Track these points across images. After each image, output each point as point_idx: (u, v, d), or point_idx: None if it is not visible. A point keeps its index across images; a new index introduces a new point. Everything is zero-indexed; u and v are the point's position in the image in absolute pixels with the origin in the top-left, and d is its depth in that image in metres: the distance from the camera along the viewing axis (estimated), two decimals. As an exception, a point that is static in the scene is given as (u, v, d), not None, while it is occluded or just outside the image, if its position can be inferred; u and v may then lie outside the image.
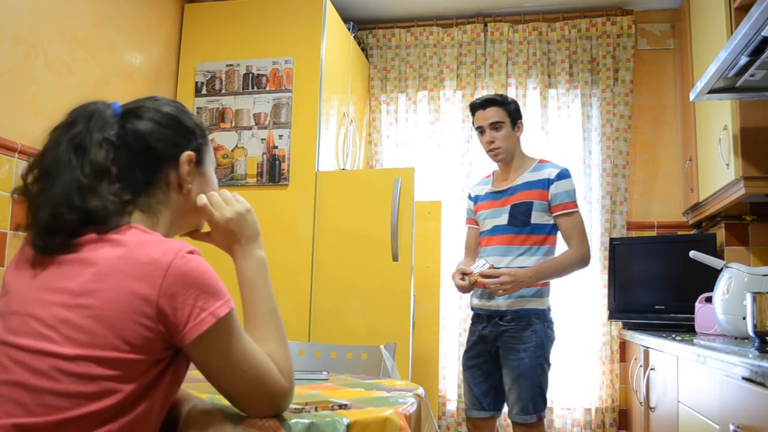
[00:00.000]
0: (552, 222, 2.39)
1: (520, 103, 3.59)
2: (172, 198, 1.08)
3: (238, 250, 1.10)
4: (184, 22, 3.26)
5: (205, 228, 1.16)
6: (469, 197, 2.66)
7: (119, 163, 1.01)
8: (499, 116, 2.44)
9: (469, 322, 3.41)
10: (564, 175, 2.40)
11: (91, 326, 0.88)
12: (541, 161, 2.49)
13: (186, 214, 1.11)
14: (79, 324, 0.88)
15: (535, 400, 2.28)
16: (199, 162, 1.11)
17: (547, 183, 2.39)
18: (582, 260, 2.37)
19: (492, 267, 2.36)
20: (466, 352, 2.51)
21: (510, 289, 2.28)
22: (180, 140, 1.08)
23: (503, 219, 2.43)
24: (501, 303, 2.37)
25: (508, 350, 2.34)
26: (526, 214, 2.38)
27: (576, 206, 2.39)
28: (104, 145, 1.00)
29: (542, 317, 2.36)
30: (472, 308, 2.52)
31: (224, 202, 1.11)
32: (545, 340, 2.34)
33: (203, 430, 0.99)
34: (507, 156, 2.47)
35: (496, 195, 2.50)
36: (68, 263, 0.93)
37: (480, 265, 2.37)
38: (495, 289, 2.29)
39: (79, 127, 1.00)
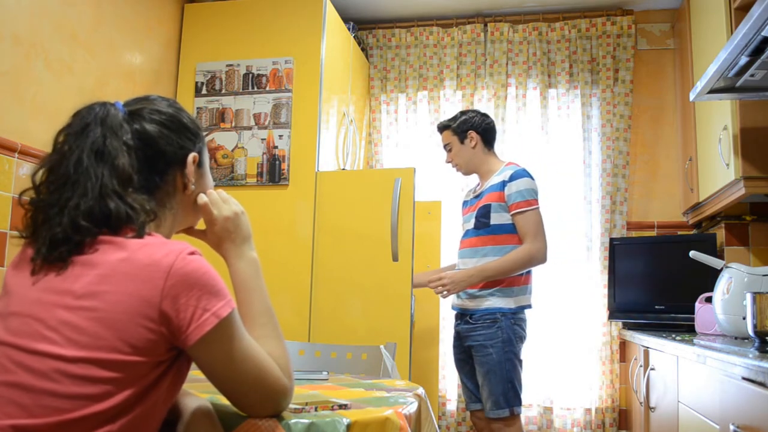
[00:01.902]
0: (512, 222, 2.49)
1: (520, 104, 3.61)
2: (176, 200, 1.08)
3: (233, 250, 1.11)
4: (184, 22, 3.26)
5: (199, 225, 1.17)
6: (461, 204, 2.83)
7: (134, 169, 1.00)
8: (446, 139, 2.70)
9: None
10: (518, 175, 2.50)
11: (93, 328, 0.88)
12: (508, 164, 2.61)
13: (186, 214, 1.12)
14: (81, 326, 0.88)
15: (506, 395, 2.36)
16: (200, 162, 1.12)
17: (502, 185, 2.51)
18: (533, 258, 2.44)
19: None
20: (453, 348, 2.67)
21: (450, 289, 2.46)
22: (185, 142, 1.09)
23: (471, 223, 2.59)
24: (466, 302, 2.51)
25: (476, 348, 2.45)
26: (486, 216, 2.52)
27: (530, 204, 2.47)
28: (125, 149, 0.99)
29: (509, 315, 2.43)
30: (452, 307, 2.67)
31: (222, 201, 1.13)
32: (512, 337, 2.41)
33: None
34: (466, 169, 2.69)
35: (472, 200, 2.66)
36: (70, 265, 0.93)
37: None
38: (437, 291, 2.48)
39: (96, 132, 0.98)
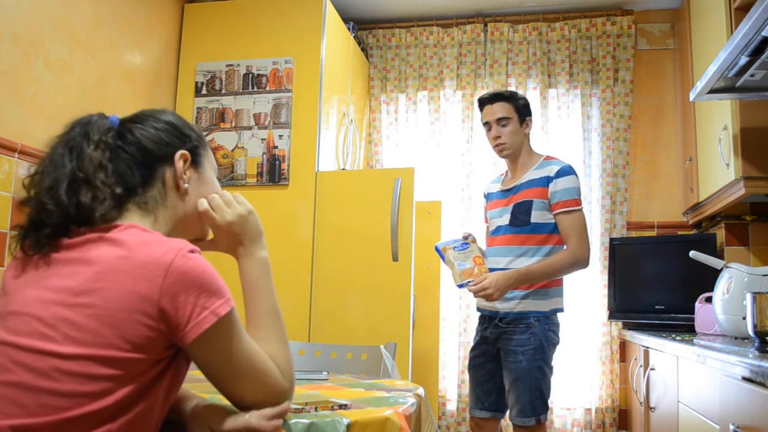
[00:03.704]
0: (554, 221, 2.33)
1: (520, 103, 3.60)
2: (170, 197, 1.08)
3: (242, 251, 1.11)
4: (184, 22, 3.26)
5: (211, 235, 1.16)
6: (484, 195, 2.64)
7: (114, 162, 1.03)
8: (507, 112, 2.41)
9: (469, 321, 3.45)
10: (565, 172, 2.33)
11: (91, 325, 0.88)
12: (547, 158, 2.43)
13: (189, 220, 1.11)
14: (80, 323, 0.88)
15: (533, 403, 2.25)
16: (196, 163, 1.11)
17: (547, 181, 2.33)
18: (578, 262, 2.29)
19: (470, 239, 2.44)
20: (470, 351, 2.51)
21: (492, 294, 2.24)
22: (173, 141, 1.10)
23: (505, 219, 2.40)
24: (499, 305, 2.34)
25: (507, 352, 2.32)
26: (526, 213, 2.34)
27: (577, 204, 2.31)
28: (100, 144, 1.02)
29: (543, 319, 2.29)
30: (477, 309, 2.51)
31: (225, 204, 1.11)
32: (545, 343, 2.28)
33: (213, 421, 0.99)
34: (513, 152, 2.43)
35: (502, 194, 2.47)
36: (68, 262, 0.93)
37: (456, 243, 2.42)
38: (477, 294, 2.28)
39: (75, 130, 1.03)
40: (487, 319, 2.42)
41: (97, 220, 0.97)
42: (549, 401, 2.32)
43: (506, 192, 2.45)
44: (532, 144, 2.51)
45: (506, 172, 2.55)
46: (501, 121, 2.41)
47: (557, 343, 2.35)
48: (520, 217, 2.35)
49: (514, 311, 2.31)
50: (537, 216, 2.33)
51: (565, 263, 2.29)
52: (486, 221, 2.61)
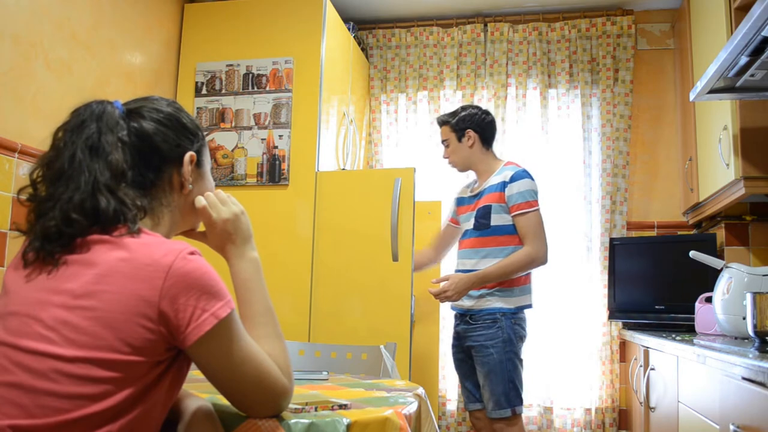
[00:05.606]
0: (512, 222, 2.49)
1: (520, 104, 3.61)
2: (174, 199, 1.08)
3: (233, 251, 1.11)
4: (184, 22, 3.26)
5: (200, 227, 1.17)
6: (455, 199, 2.81)
7: (128, 165, 1.00)
8: (445, 135, 2.67)
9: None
10: (519, 176, 2.48)
11: (91, 328, 0.88)
12: (507, 163, 2.59)
13: (185, 215, 1.12)
14: (80, 325, 0.88)
15: (507, 395, 2.36)
16: (198, 162, 1.12)
17: (503, 185, 2.50)
18: (534, 260, 2.44)
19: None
20: (451, 348, 2.67)
21: (451, 296, 2.45)
22: (183, 141, 1.09)
23: (471, 223, 2.58)
24: (466, 302, 2.51)
25: (477, 348, 2.46)
26: (486, 216, 2.51)
27: (531, 206, 2.46)
28: (119, 145, 1.00)
29: (509, 316, 2.44)
30: (451, 307, 2.66)
31: (220, 202, 1.13)
32: (513, 337, 2.42)
33: None
34: (461, 167, 2.67)
35: (471, 199, 2.66)
36: (69, 264, 0.93)
37: None
38: (437, 296, 2.48)
39: (91, 128, 0.99)
40: (459, 316, 2.60)
41: (113, 224, 0.95)
42: (524, 395, 2.46)
43: (473, 197, 2.64)
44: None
45: (476, 179, 2.71)
46: (444, 143, 2.69)
47: (525, 336, 2.50)
48: (482, 221, 2.53)
49: (480, 308, 2.47)
50: (497, 219, 2.50)
51: (520, 262, 2.44)
52: (453, 223, 2.78)
